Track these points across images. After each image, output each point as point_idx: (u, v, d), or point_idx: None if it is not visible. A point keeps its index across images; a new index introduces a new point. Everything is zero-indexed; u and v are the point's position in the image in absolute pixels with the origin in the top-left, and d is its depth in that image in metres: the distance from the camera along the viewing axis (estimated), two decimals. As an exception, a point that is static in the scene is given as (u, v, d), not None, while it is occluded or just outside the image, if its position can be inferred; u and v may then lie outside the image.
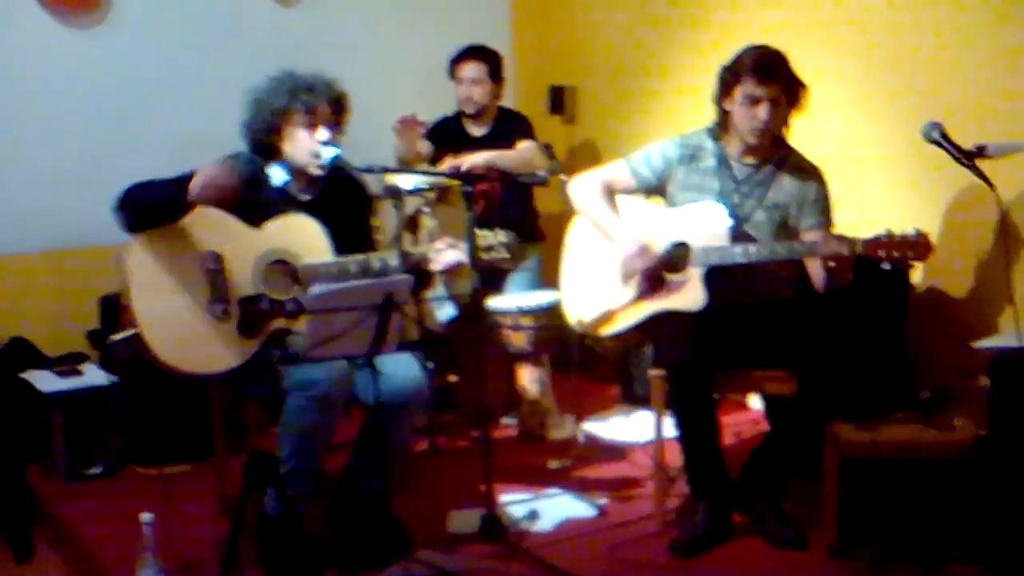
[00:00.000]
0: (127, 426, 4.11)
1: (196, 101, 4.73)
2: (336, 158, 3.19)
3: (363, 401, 3.12)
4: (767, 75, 3.20)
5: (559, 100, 5.38)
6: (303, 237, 3.18)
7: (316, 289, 2.88)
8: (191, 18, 4.83)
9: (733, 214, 3.29)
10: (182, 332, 3.05)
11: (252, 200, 3.18)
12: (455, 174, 3.94)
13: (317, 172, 3.22)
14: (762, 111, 3.21)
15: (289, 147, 3.22)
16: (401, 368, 3.14)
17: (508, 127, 4.55)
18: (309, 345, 2.79)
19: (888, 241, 2.99)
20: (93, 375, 4.19)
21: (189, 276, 3.08)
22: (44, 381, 4.11)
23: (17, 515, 3.66)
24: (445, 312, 4.23)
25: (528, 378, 4.24)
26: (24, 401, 4.08)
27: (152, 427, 4.09)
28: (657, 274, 3.34)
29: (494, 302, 4.17)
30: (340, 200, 3.32)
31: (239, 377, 3.15)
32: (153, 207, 3.04)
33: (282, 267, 3.16)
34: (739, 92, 3.24)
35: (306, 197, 3.28)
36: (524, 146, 4.44)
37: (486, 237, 3.23)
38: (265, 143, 3.23)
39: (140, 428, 4.11)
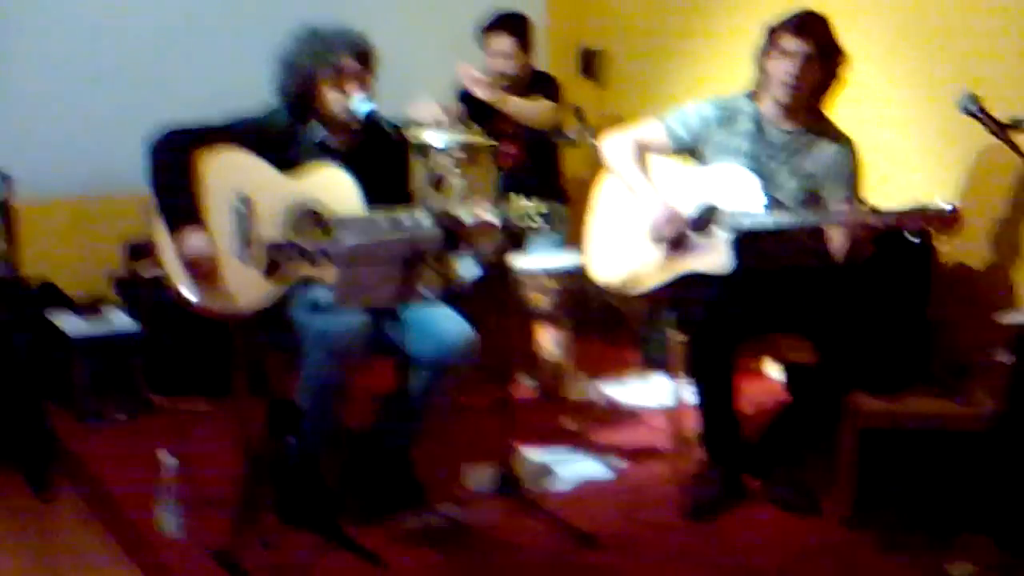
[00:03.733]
0: (149, 364, 4.15)
1: (226, 48, 4.73)
2: (372, 113, 3.19)
3: (412, 356, 3.13)
4: (802, 30, 3.20)
5: (590, 63, 5.36)
6: (335, 189, 3.19)
7: (346, 240, 2.89)
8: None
9: (765, 179, 3.28)
10: None
11: (290, 150, 3.19)
12: (486, 132, 3.93)
13: (356, 127, 3.23)
14: (793, 65, 3.20)
15: (325, 107, 3.22)
16: (452, 323, 3.15)
17: (539, 91, 4.53)
18: (337, 295, 2.80)
19: (918, 213, 2.97)
20: (118, 320, 4.24)
21: (219, 217, 3.10)
22: (69, 324, 4.16)
23: (37, 452, 3.72)
24: (469, 270, 4.23)
25: (549, 339, 4.25)
26: (49, 342, 4.13)
27: (174, 364, 4.15)
28: (683, 240, 3.33)
29: (519, 262, 4.18)
30: (377, 153, 3.32)
31: (262, 322, 3.18)
32: (163, 206, 3.07)
33: (312, 217, 3.17)
34: (776, 48, 3.24)
35: (344, 150, 3.28)
36: (540, 102, 4.43)
37: (524, 205, 3.23)
38: (301, 107, 3.23)
39: (162, 366, 4.17)
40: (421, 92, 4.41)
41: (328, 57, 3.17)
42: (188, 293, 3.04)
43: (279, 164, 3.17)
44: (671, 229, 3.33)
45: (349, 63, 3.19)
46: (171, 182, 3.07)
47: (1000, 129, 3.11)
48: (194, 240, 3.02)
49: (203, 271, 3.04)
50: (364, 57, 3.23)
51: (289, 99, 3.24)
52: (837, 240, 3.20)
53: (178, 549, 3.03)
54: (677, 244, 3.35)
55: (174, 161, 3.07)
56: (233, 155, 3.13)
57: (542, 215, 3.20)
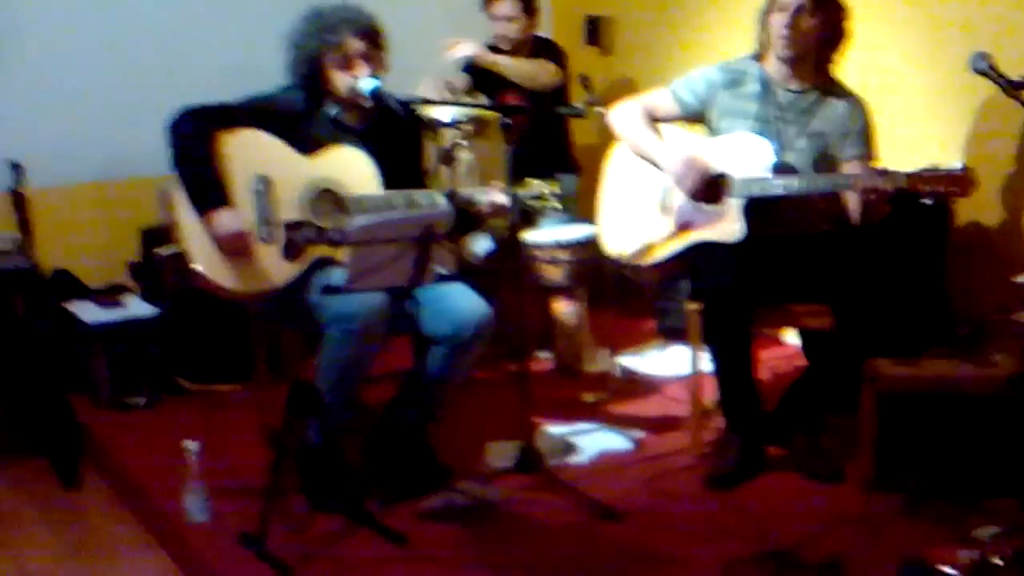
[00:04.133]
0: (170, 349, 4.18)
1: (238, 31, 4.73)
2: (376, 90, 3.18)
3: (428, 334, 3.13)
4: None
5: (596, 30, 5.32)
6: (353, 169, 3.20)
7: (358, 221, 2.89)
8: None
9: (774, 140, 3.27)
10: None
11: (304, 130, 3.21)
12: (493, 106, 3.92)
13: (364, 103, 3.22)
14: (787, 16, 3.19)
15: (333, 86, 3.22)
16: (466, 300, 3.16)
17: (542, 56, 4.51)
18: (350, 276, 2.81)
19: (931, 175, 2.96)
20: (135, 306, 4.25)
21: (237, 196, 3.11)
22: (86, 312, 4.18)
23: (64, 443, 3.75)
24: (482, 245, 4.24)
25: (564, 312, 4.25)
26: (67, 332, 4.15)
27: (195, 350, 4.17)
28: (703, 191, 3.30)
29: (531, 235, 4.17)
30: (392, 130, 3.32)
31: (280, 305, 3.19)
32: (190, 187, 3.09)
33: (329, 197, 3.18)
34: (774, 5, 3.24)
35: (359, 127, 3.29)
36: (536, 61, 4.42)
37: (540, 187, 3.23)
38: (312, 89, 3.24)
39: (184, 351, 4.19)
40: (427, 68, 4.41)
41: (332, 37, 3.17)
42: (208, 273, 3.05)
43: (296, 143, 3.18)
44: (693, 174, 3.29)
45: (354, 42, 3.18)
46: (196, 163, 3.08)
47: (1012, 87, 3.08)
48: (226, 219, 3.05)
49: (237, 249, 3.06)
50: (369, 36, 3.22)
51: (300, 80, 3.24)
52: (852, 203, 3.19)
53: (205, 535, 3.06)
54: (699, 195, 3.32)
55: (196, 142, 3.08)
56: (251, 136, 3.15)
57: (555, 195, 3.20)
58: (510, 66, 4.40)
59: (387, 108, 3.24)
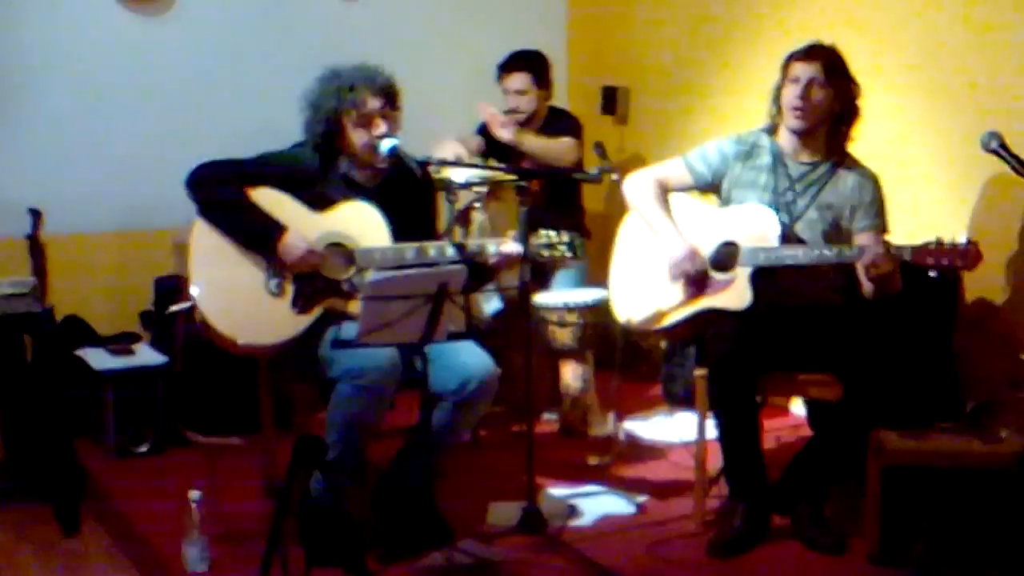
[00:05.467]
0: (178, 399, 4.19)
1: (259, 90, 4.82)
2: (394, 149, 3.23)
3: (434, 390, 3.14)
4: (809, 54, 3.28)
5: (611, 100, 5.40)
6: (362, 222, 3.23)
7: (373, 275, 2.92)
8: (255, 8, 4.93)
9: (786, 212, 3.30)
10: (237, 303, 3.13)
11: (318, 187, 3.25)
12: (509, 169, 3.97)
13: (383, 165, 3.27)
14: (800, 88, 3.25)
15: (349, 145, 3.27)
16: (473, 356, 3.18)
17: (557, 127, 4.57)
18: (362, 330, 2.83)
19: (937, 249, 2.98)
20: (145, 355, 4.27)
21: (248, 255, 3.15)
22: (97, 359, 4.19)
23: (66, 489, 3.74)
24: (491, 305, 4.26)
25: (571, 374, 4.25)
26: (76, 378, 4.17)
27: (203, 401, 4.18)
28: (704, 278, 3.35)
29: (540, 297, 4.19)
30: (404, 189, 3.35)
31: (290, 358, 3.20)
32: (241, 231, 3.14)
33: (339, 250, 3.21)
34: (787, 77, 3.30)
35: (370, 185, 3.32)
36: (562, 140, 4.47)
37: (549, 236, 3.26)
38: (328, 146, 3.28)
39: (192, 402, 4.20)
40: (443, 129, 4.47)
41: (350, 96, 3.22)
42: (219, 327, 3.07)
43: (309, 201, 3.22)
44: (691, 267, 3.35)
45: (371, 101, 3.23)
46: (234, 206, 3.13)
47: (1022, 167, 3.11)
48: (291, 246, 3.10)
49: (313, 266, 3.12)
50: (386, 95, 3.27)
51: (316, 139, 3.29)
52: (863, 275, 3.21)
53: (204, 585, 3.04)
54: (697, 283, 3.36)
55: (224, 188, 3.13)
56: (262, 193, 3.18)
57: (566, 244, 3.23)
58: (538, 146, 4.44)
59: (400, 168, 3.29)
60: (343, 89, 3.23)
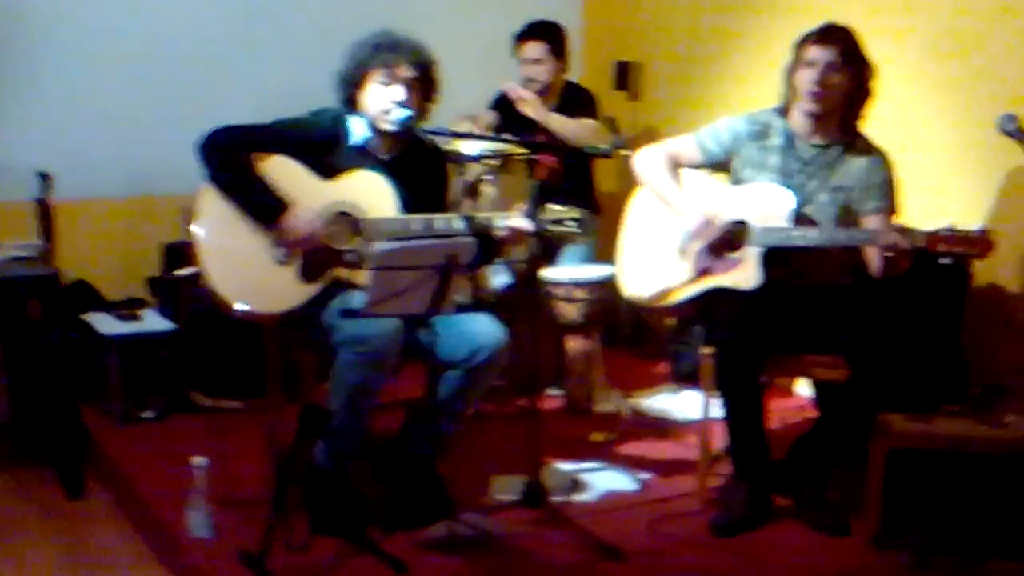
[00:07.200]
0: (185, 365, 4.19)
1: (271, 53, 4.80)
2: (407, 119, 3.21)
3: (444, 358, 3.14)
4: (824, 37, 3.23)
5: (625, 76, 5.37)
6: (370, 192, 3.22)
7: (381, 245, 2.91)
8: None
9: (796, 194, 3.28)
10: (244, 271, 3.12)
11: (330, 156, 3.23)
12: (523, 143, 3.95)
13: (387, 128, 3.25)
14: (816, 72, 3.21)
15: (365, 101, 3.25)
16: (484, 325, 3.18)
17: (573, 104, 4.54)
18: (369, 301, 2.82)
19: (949, 236, 2.96)
20: (152, 320, 4.28)
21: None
22: (103, 324, 4.20)
23: (70, 453, 3.75)
24: (499, 278, 4.25)
25: (577, 350, 4.25)
26: (83, 342, 4.18)
27: (210, 366, 4.19)
28: (720, 245, 3.32)
29: (548, 272, 4.19)
30: (420, 164, 3.34)
31: (295, 325, 3.20)
32: (247, 203, 3.12)
33: (346, 218, 3.20)
34: (801, 60, 3.26)
35: (385, 157, 3.31)
36: (585, 121, 4.44)
37: (557, 211, 3.24)
38: (348, 94, 3.27)
39: (198, 366, 4.21)
40: (457, 102, 4.44)
41: (384, 53, 3.21)
42: (225, 294, 3.07)
43: (320, 169, 3.21)
44: (708, 233, 3.32)
45: (405, 67, 3.21)
46: (243, 177, 3.12)
47: (1039, 151, 3.09)
48: (294, 224, 3.09)
49: (315, 247, 3.11)
50: (420, 67, 3.25)
51: (341, 84, 3.27)
52: (872, 257, 3.20)
53: (206, 551, 3.05)
54: (713, 253, 3.33)
55: (235, 157, 3.12)
56: (274, 160, 3.17)
57: (575, 220, 3.21)
58: (564, 127, 4.41)
59: (415, 141, 3.27)
60: (382, 46, 3.22)
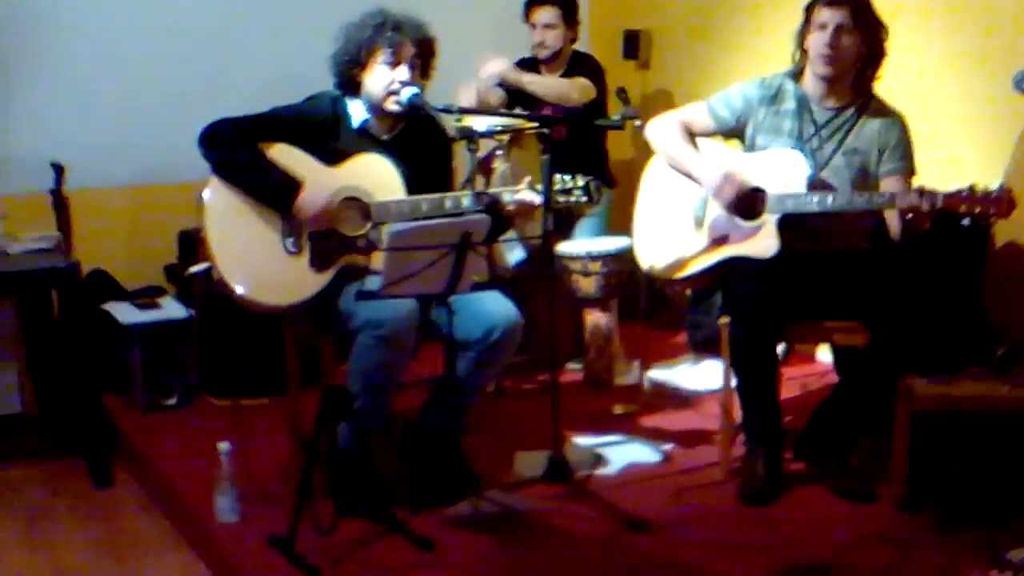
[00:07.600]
0: (203, 359, 4.20)
1: (278, 41, 4.77)
2: (415, 96, 3.19)
3: (459, 339, 3.14)
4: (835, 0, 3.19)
5: (633, 45, 5.32)
6: (377, 176, 3.21)
7: (394, 226, 2.90)
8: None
9: (812, 158, 3.26)
10: (255, 264, 3.11)
11: (332, 140, 3.22)
12: (531, 117, 3.93)
13: (393, 108, 3.23)
14: (827, 35, 3.18)
15: (369, 82, 3.23)
16: (497, 304, 3.17)
17: (579, 73, 4.52)
18: (385, 282, 2.82)
19: (970, 196, 2.93)
20: (170, 308, 4.29)
21: (264, 210, 3.13)
22: (123, 313, 4.22)
23: (97, 442, 3.78)
24: (514, 255, 4.24)
25: (596, 323, 4.25)
26: (103, 331, 4.20)
27: (228, 361, 4.17)
28: (739, 206, 3.28)
29: (564, 246, 4.18)
30: (420, 142, 3.33)
31: (311, 313, 3.21)
32: (257, 189, 3.11)
33: (354, 204, 3.19)
34: (813, 23, 3.23)
35: (386, 137, 3.30)
36: (562, 80, 4.43)
37: (565, 181, 3.22)
38: (348, 77, 3.25)
39: (216, 361, 4.21)
40: (466, 74, 4.43)
41: (387, 32, 3.19)
42: (239, 288, 3.07)
43: (323, 155, 3.19)
44: (730, 189, 3.27)
45: (408, 46, 3.20)
46: (251, 162, 3.10)
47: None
48: (307, 202, 3.09)
49: (329, 224, 3.11)
50: (422, 44, 3.24)
51: (340, 68, 3.25)
52: (892, 220, 3.17)
53: (234, 535, 3.08)
54: (736, 208, 3.29)
55: (238, 144, 3.10)
56: (275, 150, 3.15)
57: (581, 188, 3.19)
58: (537, 84, 4.40)
59: (415, 119, 3.26)
60: (384, 25, 3.20)
